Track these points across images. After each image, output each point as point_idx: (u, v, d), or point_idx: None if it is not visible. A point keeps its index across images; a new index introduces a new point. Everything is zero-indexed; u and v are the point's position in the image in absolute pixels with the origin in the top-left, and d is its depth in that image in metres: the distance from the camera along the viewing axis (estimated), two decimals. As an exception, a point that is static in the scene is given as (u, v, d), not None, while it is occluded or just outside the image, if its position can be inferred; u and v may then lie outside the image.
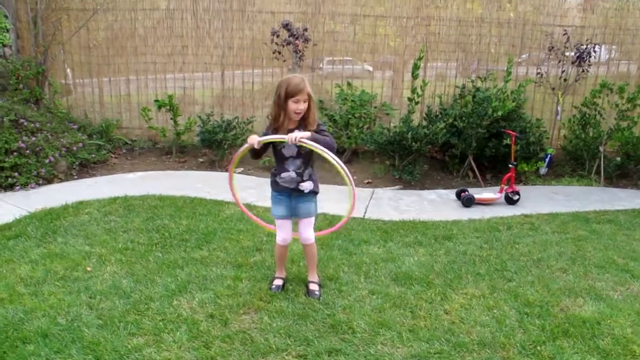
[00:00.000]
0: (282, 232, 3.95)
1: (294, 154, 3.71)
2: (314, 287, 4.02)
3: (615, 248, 5.09)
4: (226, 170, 7.51)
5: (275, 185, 3.84)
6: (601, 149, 7.49)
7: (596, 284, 4.30)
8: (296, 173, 3.75)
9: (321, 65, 8.65)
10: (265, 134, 3.72)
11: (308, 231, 3.92)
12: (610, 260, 4.78)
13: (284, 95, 3.56)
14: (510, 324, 3.65)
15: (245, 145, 3.64)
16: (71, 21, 8.39)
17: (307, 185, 3.79)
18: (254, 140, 3.57)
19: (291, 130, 3.63)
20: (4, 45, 7.95)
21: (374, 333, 3.49)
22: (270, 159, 7.72)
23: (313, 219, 3.96)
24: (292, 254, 4.60)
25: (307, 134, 3.54)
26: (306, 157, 3.76)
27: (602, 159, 7.52)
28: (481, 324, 3.63)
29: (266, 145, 3.71)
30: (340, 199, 6.36)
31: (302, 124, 3.66)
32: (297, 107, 3.57)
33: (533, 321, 3.69)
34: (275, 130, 3.67)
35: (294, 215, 3.90)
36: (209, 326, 3.50)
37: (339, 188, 6.84)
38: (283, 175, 3.77)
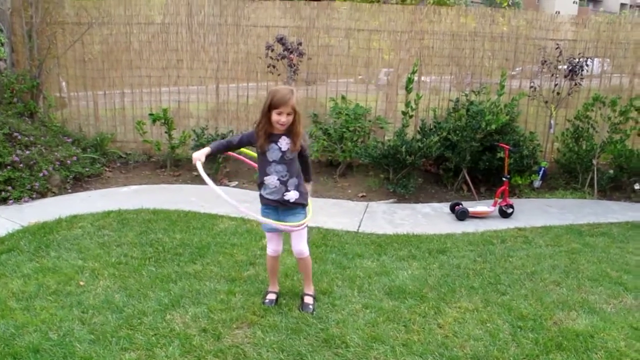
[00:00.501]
0: (272, 243, 3.97)
1: (277, 158, 3.69)
2: (308, 300, 4.01)
3: (608, 261, 5.11)
4: (221, 184, 7.53)
5: (262, 198, 3.84)
6: (594, 161, 7.53)
7: (589, 297, 4.30)
8: (280, 181, 3.72)
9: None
10: (244, 136, 3.80)
11: (300, 244, 3.91)
12: (604, 273, 4.79)
13: (269, 105, 3.58)
14: (503, 337, 3.64)
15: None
16: (66, 35, 8.41)
17: (292, 195, 3.76)
18: (195, 158, 3.59)
19: (276, 136, 3.67)
20: (-1, 59, 7.97)
21: (368, 347, 3.48)
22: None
23: (304, 232, 3.94)
24: (286, 267, 4.60)
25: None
26: (290, 164, 3.73)
27: (595, 172, 7.56)
28: (474, 338, 3.62)
29: (240, 145, 3.82)
30: (335, 212, 6.36)
31: (289, 135, 3.68)
32: (279, 119, 3.57)
33: (526, 335, 3.69)
34: (256, 134, 3.68)
35: (281, 229, 3.89)
36: (201, 341, 3.49)
37: (333, 202, 6.86)
38: (266, 181, 3.74)
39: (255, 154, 3.93)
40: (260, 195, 3.84)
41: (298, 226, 3.78)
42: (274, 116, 3.57)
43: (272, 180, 3.72)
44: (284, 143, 3.66)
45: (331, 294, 4.19)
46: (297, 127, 3.65)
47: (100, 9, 8.37)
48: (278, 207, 3.79)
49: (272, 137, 3.66)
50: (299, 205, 3.82)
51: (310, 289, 4.09)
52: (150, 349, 3.39)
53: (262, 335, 3.58)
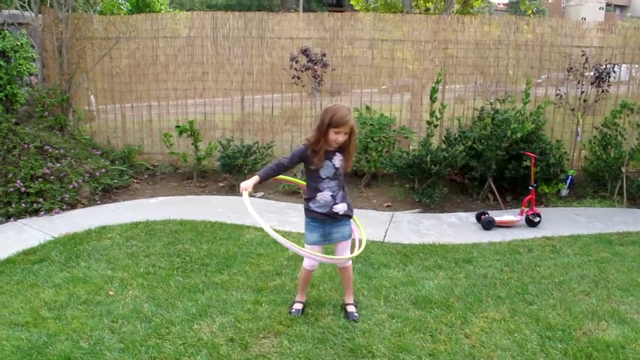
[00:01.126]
0: (310, 257, 3.96)
1: (331, 175, 3.76)
2: (352, 308, 4.05)
3: (639, 270, 5.01)
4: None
5: (308, 212, 3.85)
6: (623, 169, 7.41)
7: (620, 307, 4.23)
8: (331, 196, 3.78)
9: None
10: (295, 155, 3.81)
11: (344, 254, 3.96)
12: (635, 282, 4.71)
13: (327, 124, 3.60)
14: (531, 348, 3.61)
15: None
16: (95, 49, 8.59)
17: (341, 208, 3.82)
18: (242, 188, 3.66)
19: (330, 153, 3.72)
20: (31, 74, 8.15)
21: (394, 357, 3.48)
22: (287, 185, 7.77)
23: (348, 242, 3.98)
24: (312, 278, 4.60)
25: None
26: (340, 179, 3.82)
27: (624, 180, 7.44)
28: (502, 348, 3.59)
29: (291, 165, 3.83)
30: (360, 222, 6.35)
31: (342, 153, 3.75)
32: (336, 137, 3.62)
33: (555, 345, 3.64)
34: (314, 153, 3.71)
35: (327, 241, 3.91)
36: (229, 350, 3.52)
37: (358, 212, 6.83)
38: (318, 197, 3.78)
39: (289, 178, 4.00)
40: (307, 209, 3.85)
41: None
42: (332, 135, 3.62)
43: (325, 196, 3.78)
44: (338, 160, 3.74)
45: (357, 304, 4.18)
46: (351, 147, 3.72)
47: (128, 23, 8.54)
48: (325, 219, 3.82)
49: (327, 155, 3.71)
50: (345, 217, 3.89)
51: (351, 298, 4.13)
52: (178, 358, 3.43)
53: (288, 344, 3.59)
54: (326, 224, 3.83)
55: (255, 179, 3.68)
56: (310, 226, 3.89)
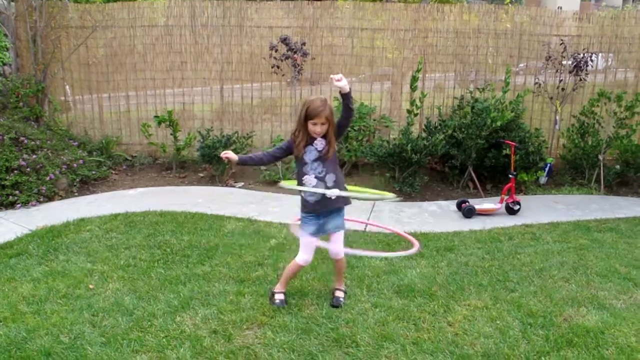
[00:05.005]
0: (306, 253, 3.92)
1: (314, 157, 3.75)
2: (339, 294, 4.09)
3: (617, 257, 5.09)
4: (226, 185, 7.54)
5: (303, 207, 3.86)
6: (600, 157, 7.51)
7: (599, 293, 4.29)
8: (316, 178, 3.75)
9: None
10: (282, 146, 3.92)
11: (337, 246, 3.94)
12: (613, 268, 4.78)
13: (304, 116, 3.68)
14: (513, 334, 3.64)
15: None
16: (70, 39, 8.44)
17: (334, 192, 3.75)
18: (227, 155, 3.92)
19: (313, 138, 3.74)
20: (4, 64, 7.99)
21: (378, 346, 3.48)
22: (270, 172, 7.74)
23: (342, 233, 3.96)
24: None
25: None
26: (327, 163, 3.76)
27: (601, 168, 7.54)
28: (485, 336, 3.62)
29: (277, 155, 3.98)
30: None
31: (325, 137, 3.74)
32: (314, 129, 3.67)
33: (537, 331, 3.68)
34: (295, 144, 3.76)
35: (322, 232, 3.90)
36: (212, 342, 3.49)
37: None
38: (304, 180, 3.77)
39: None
40: (303, 204, 3.86)
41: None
42: (310, 126, 3.68)
43: (309, 179, 3.76)
44: (320, 144, 3.73)
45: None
46: (331, 134, 3.71)
47: (104, 12, 8.40)
48: (318, 209, 3.81)
49: (310, 140, 3.75)
50: (339, 207, 3.89)
51: (342, 285, 4.15)
52: (161, 350, 3.40)
53: (272, 335, 3.58)
54: (320, 215, 3.84)
55: (235, 158, 3.92)
56: (305, 219, 3.89)
